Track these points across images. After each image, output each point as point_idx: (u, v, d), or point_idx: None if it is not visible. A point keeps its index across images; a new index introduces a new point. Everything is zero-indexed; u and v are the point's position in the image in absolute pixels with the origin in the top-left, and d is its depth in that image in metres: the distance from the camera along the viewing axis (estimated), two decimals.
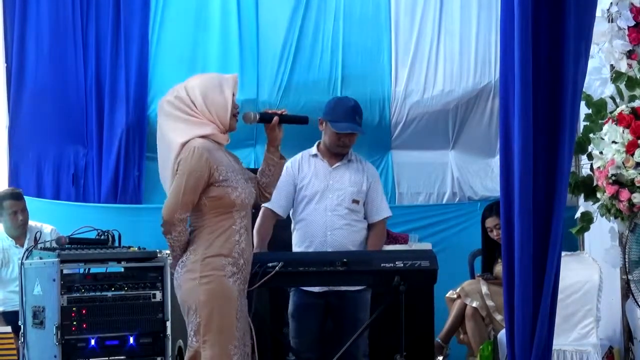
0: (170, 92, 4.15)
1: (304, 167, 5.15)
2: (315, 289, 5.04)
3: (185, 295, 4.02)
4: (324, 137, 5.16)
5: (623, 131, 4.88)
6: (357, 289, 5.05)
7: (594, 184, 5.04)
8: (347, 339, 4.90)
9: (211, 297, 3.96)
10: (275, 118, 4.26)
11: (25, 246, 5.93)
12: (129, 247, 4.91)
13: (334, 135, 5.09)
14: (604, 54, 5.25)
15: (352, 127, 5.07)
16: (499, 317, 6.00)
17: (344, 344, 4.88)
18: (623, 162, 4.86)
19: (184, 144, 4.02)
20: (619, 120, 4.91)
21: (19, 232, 6.30)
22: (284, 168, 4.50)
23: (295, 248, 5.16)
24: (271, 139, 4.31)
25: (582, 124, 5.12)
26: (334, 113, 5.08)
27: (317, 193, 5.07)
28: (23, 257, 4.84)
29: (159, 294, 4.77)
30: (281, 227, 5.29)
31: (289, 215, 5.21)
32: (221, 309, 3.96)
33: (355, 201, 5.11)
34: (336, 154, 5.15)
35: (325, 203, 5.07)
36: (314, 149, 5.19)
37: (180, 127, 4.05)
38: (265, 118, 4.30)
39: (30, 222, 6.33)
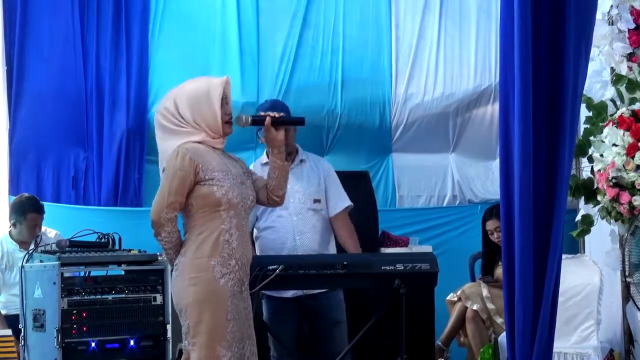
0: (161, 102, 4.15)
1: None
2: (288, 294, 5.01)
3: (177, 297, 4.02)
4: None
5: (623, 134, 4.89)
6: (328, 290, 5.01)
7: (595, 187, 5.04)
8: (325, 341, 4.91)
9: (199, 299, 3.93)
10: (268, 120, 4.21)
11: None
12: (130, 250, 4.91)
13: None
14: (604, 57, 5.26)
15: None
16: (499, 320, 6.00)
17: (322, 346, 4.90)
18: (623, 165, 4.86)
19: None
20: (620, 122, 4.92)
21: (30, 241, 6.29)
22: None
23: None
24: (269, 142, 4.28)
25: (582, 126, 5.13)
26: None
27: None
28: (24, 260, 4.84)
29: (159, 297, 4.77)
30: None
31: None
32: (209, 310, 3.92)
33: (317, 200, 5.09)
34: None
35: (288, 209, 5.02)
36: (264, 158, 5.11)
37: (172, 138, 4.05)
38: (258, 121, 4.27)
39: None
